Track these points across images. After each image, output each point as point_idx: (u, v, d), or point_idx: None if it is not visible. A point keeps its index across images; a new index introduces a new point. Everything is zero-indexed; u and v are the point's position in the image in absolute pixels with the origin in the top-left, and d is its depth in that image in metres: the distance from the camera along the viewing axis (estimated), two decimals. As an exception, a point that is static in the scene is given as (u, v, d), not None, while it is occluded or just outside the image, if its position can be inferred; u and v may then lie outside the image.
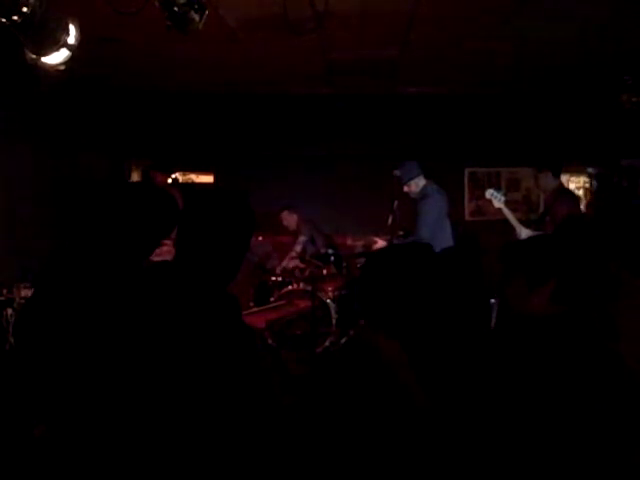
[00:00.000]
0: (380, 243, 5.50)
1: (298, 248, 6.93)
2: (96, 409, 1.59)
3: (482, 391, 1.57)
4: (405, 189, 5.38)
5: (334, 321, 6.19)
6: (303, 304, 5.87)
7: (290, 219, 7.08)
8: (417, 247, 1.95)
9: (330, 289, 6.40)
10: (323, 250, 6.67)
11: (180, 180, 7.41)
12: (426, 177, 5.39)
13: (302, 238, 6.89)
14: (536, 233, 4.92)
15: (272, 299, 6.32)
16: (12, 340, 4.32)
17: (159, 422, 1.52)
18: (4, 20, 3.23)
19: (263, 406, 1.62)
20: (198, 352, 1.56)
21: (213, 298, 1.67)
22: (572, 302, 1.62)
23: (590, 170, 7.22)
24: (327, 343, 6.10)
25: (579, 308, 1.61)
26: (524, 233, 5.04)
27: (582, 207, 4.98)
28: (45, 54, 3.66)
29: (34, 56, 3.67)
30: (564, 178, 5.21)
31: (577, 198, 5.10)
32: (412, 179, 5.30)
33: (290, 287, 6.38)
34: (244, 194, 1.85)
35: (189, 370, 1.54)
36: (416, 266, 1.81)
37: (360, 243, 6.09)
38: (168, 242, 2.10)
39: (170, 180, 7.11)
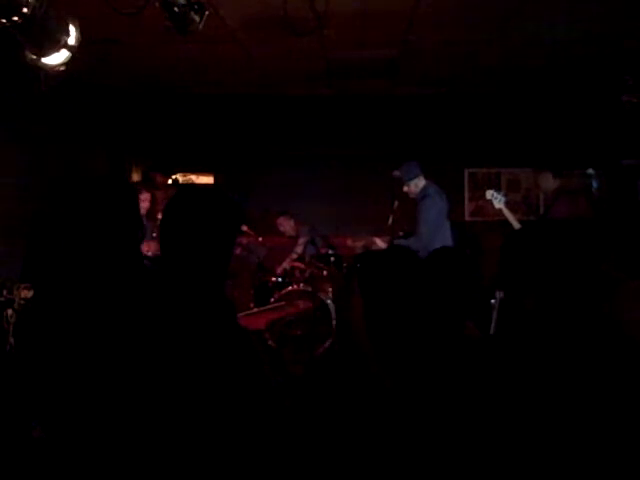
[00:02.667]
0: (380, 243, 5.50)
1: (299, 249, 6.94)
2: (95, 411, 1.59)
3: (479, 391, 1.57)
4: (405, 189, 5.38)
5: (334, 322, 6.19)
6: (303, 305, 5.87)
7: (287, 225, 7.08)
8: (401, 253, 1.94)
9: (330, 290, 6.39)
10: (323, 251, 6.67)
11: (180, 181, 7.41)
12: (426, 177, 5.40)
13: (303, 239, 6.89)
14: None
15: (272, 300, 6.32)
16: (12, 341, 4.32)
17: (157, 425, 1.52)
18: (4, 21, 3.23)
19: (261, 408, 1.61)
20: (195, 354, 1.56)
21: (207, 300, 1.66)
22: (565, 303, 1.62)
23: (590, 171, 7.21)
24: (327, 344, 6.10)
25: (573, 309, 1.61)
26: (524, 234, 5.03)
27: (582, 208, 4.97)
28: (45, 55, 3.65)
29: (34, 57, 3.66)
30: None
31: (577, 199, 5.09)
32: (412, 179, 5.30)
33: (290, 288, 6.37)
34: (229, 194, 1.82)
35: (186, 372, 1.54)
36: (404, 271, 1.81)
37: (360, 243, 6.08)
38: None
39: (170, 181, 7.11)
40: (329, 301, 6.25)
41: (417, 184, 5.33)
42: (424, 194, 5.28)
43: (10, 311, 4.51)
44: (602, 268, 1.99)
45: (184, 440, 1.50)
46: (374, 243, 5.51)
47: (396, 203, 5.50)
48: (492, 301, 5.10)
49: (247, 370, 1.61)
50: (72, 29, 3.68)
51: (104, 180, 2.17)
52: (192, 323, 1.60)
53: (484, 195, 5.49)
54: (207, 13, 3.83)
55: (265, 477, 1.54)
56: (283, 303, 5.88)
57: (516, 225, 5.14)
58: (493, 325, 4.66)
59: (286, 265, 6.92)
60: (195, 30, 3.82)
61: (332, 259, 6.58)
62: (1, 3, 3.19)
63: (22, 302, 4.47)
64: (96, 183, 2.10)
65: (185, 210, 1.72)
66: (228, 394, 1.54)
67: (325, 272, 6.52)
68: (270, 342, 6.02)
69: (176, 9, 3.67)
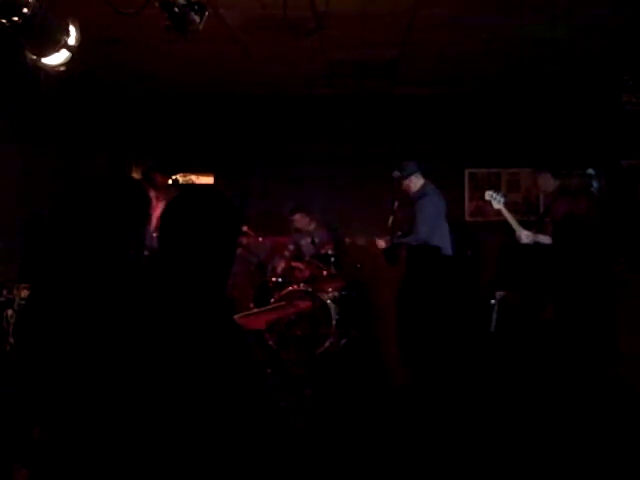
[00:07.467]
0: (380, 243, 5.50)
1: (292, 247, 6.99)
2: (93, 410, 1.60)
3: (479, 392, 1.57)
4: (403, 187, 5.39)
5: (334, 322, 6.19)
6: (303, 305, 5.86)
7: (304, 221, 7.05)
8: None
9: (330, 290, 6.40)
10: (323, 251, 6.67)
11: (180, 181, 7.41)
12: (425, 178, 5.41)
13: (307, 240, 6.90)
14: (536, 235, 4.92)
15: (272, 300, 6.32)
16: (12, 341, 4.32)
17: (153, 424, 1.52)
18: (4, 21, 3.23)
19: (254, 409, 1.61)
20: (190, 354, 1.56)
21: (204, 300, 1.66)
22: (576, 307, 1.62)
23: (590, 171, 7.22)
24: (327, 344, 6.10)
25: (582, 308, 1.61)
26: (524, 234, 5.03)
27: (582, 208, 4.97)
28: (45, 55, 3.65)
29: (34, 57, 3.66)
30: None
31: (577, 199, 5.09)
32: (410, 175, 5.32)
33: (290, 288, 6.37)
34: (239, 195, 1.82)
35: (182, 371, 1.54)
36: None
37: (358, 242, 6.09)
38: None
39: (170, 181, 7.11)
40: (329, 301, 6.25)
41: (415, 182, 5.34)
42: (422, 192, 5.30)
43: (10, 311, 4.52)
44: (614, 269, 1.99)
45: (180, 439, 1.50)
46: (374, 243, 5.52)
47: (396, 203, 5.51)
48: (492, 301, 5.11)
49: (240, 369, 1.61)
50: (72, 29, 3.68)
51: (103, 180, 2.17)
52: (187, 323, 1.60)
53: (484, 195, 5.50)
54: (207, 13, 3.83)
55: (259, 476, 1.54)
56: (283, 303, 5.87)
57: (515, 226, 5.14)
58: (493, 325, 4.67)
59: (286, 265, 6.92)
60: (195, 30, 3.82)
61: (332, 259, 6.58)
62: (1, 3, 3.20)
63: (22, 302, 4.48)
64: (94, 183, 2.10)
65: (186, 213, 1.72)
66: (221, 393, 1.54)
67: (325, 272, 6.52)
68: (270, 342, 6.02)
69: (176, 9, 3.67)
